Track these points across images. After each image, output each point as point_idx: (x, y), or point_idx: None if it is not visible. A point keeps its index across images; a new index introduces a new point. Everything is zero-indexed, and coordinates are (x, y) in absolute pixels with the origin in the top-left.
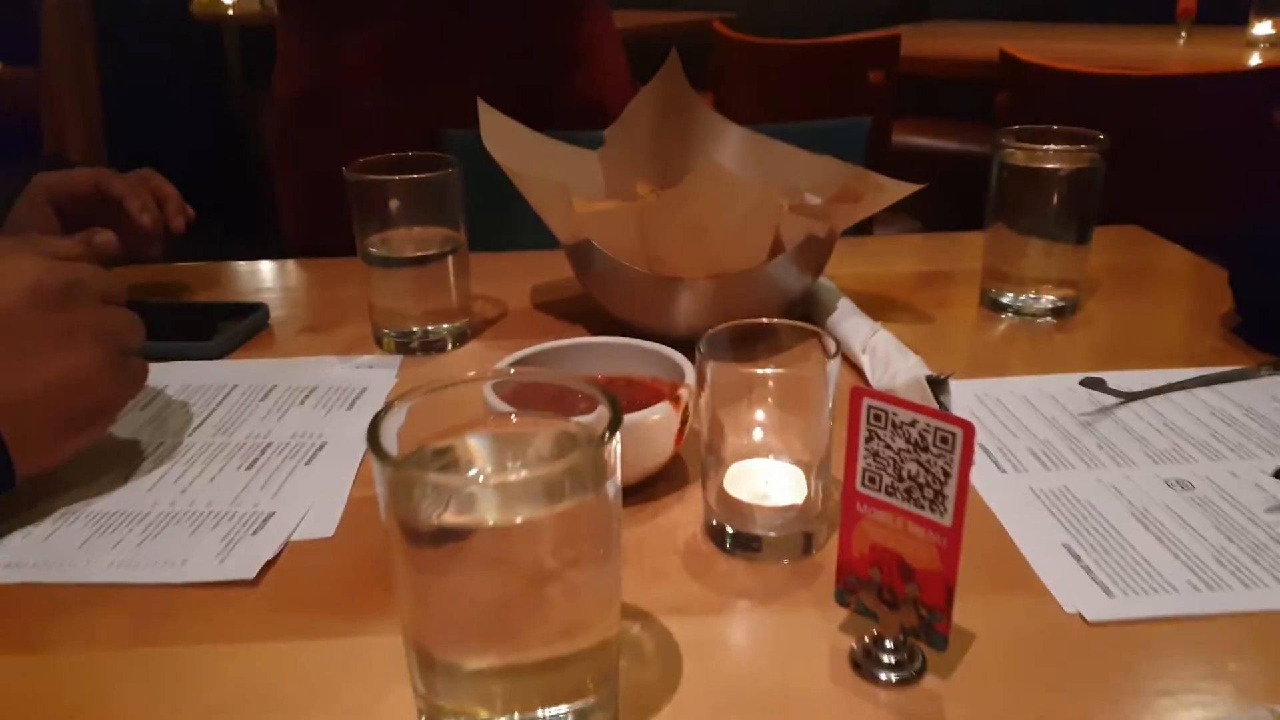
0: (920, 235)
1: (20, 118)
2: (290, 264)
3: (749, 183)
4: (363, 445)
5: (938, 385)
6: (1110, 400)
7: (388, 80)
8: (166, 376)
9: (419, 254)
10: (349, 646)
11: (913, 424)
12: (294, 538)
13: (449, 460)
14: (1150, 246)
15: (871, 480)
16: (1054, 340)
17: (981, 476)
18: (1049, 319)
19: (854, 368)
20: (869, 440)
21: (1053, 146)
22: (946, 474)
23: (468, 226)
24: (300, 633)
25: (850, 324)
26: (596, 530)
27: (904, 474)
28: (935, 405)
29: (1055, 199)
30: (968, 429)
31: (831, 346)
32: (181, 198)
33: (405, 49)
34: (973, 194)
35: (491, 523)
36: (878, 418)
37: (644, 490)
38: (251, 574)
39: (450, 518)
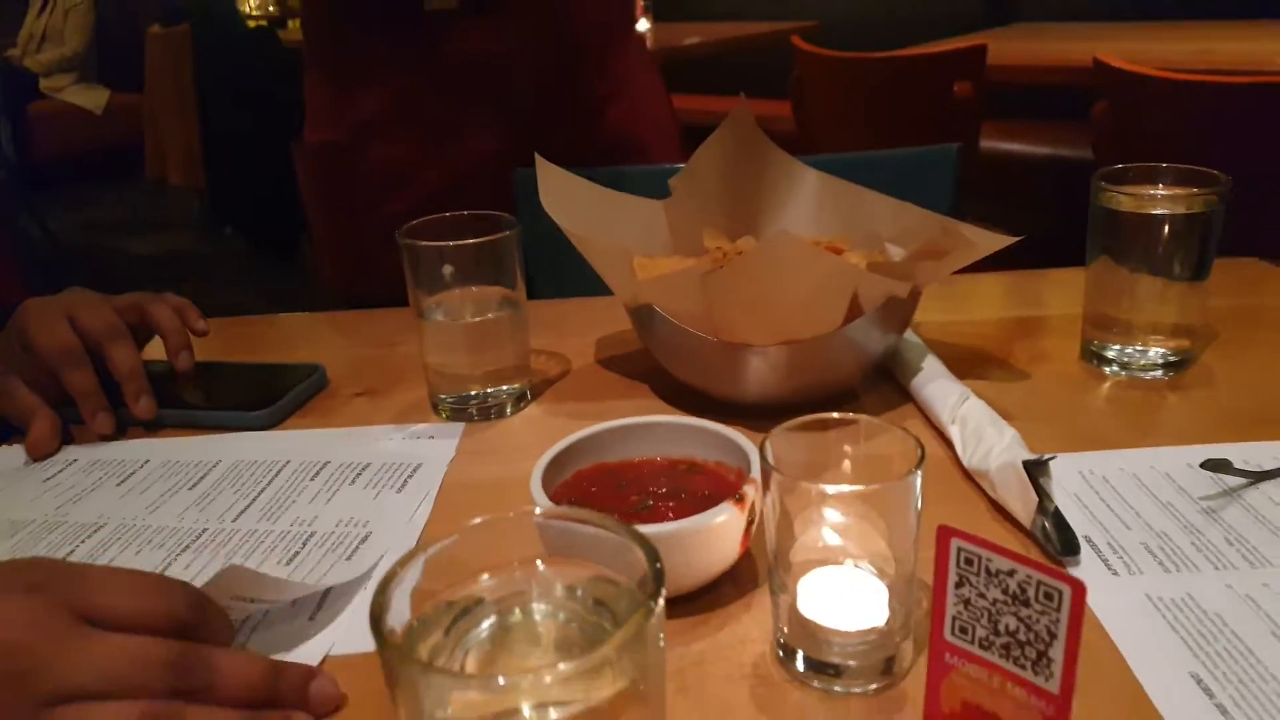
0: (1011, 273)
1: (126, 143)
2: (351, 316)
3: (823, 254)
4: (406, 537)
5: (1037, 468)
6: (1237, 481)
7: (407, 133)
8: (219, 451)
9: (476, 318)
10: None
11: (1010, 574)
12: (333, 653)
13: (462, 617)
14: (1272, 285)
15: (963, 630)
16: (1167, 402)
17: (1090, 580)
18: (1160, 374)
19: (942, 438)
20: (959, 586)
21: (1162, 190)
22: (1052, 634)
23: (527, 278)
24: None
25: (937, 387)
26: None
27: (1001, 628)
28: (1033, 493)
29: (1165, 244)
30: (1077, 588)
31: (917, 452)
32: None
33: (423, 103)
34: (1064, 202)
35: None
36: (969, 562)
37: (708, 595)
38: None
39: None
